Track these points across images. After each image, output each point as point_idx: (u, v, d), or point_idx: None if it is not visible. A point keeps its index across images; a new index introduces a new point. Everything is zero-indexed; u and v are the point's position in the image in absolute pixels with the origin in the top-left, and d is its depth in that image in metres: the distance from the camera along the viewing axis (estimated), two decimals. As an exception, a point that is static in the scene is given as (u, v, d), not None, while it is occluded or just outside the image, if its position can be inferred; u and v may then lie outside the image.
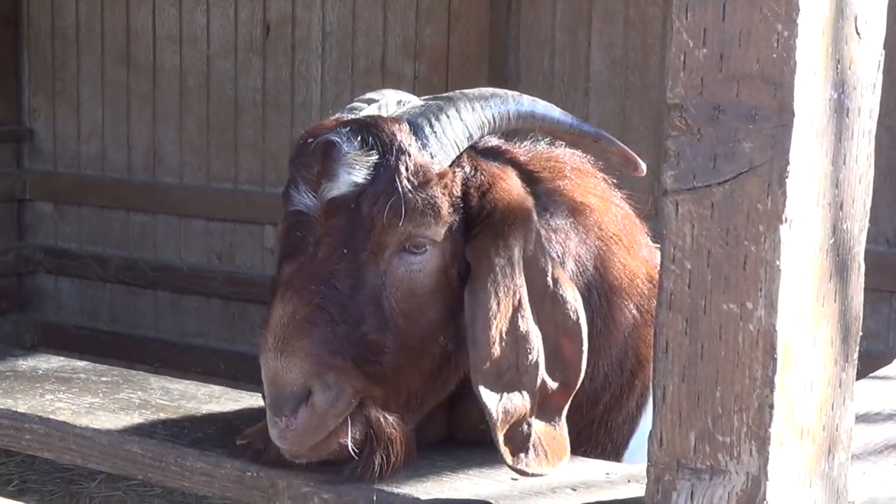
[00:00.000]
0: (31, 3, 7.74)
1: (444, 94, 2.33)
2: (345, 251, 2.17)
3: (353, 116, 2.35)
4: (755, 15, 1.76)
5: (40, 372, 2.87)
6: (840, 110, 1.88)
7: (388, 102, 2.45)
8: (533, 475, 2.19)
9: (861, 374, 2.80)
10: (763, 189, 1.78)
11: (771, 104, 1.77)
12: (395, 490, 2.16)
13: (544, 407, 2.24)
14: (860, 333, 2.04)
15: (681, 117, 1.83)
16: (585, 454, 2.42)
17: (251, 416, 2.57)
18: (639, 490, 2.04)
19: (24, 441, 2.56)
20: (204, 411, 2.61)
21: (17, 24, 7.75)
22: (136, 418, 2.53)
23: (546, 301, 2.24)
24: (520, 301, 2.20)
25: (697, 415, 1.85)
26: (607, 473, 2.26)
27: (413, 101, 2.42)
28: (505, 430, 2.16)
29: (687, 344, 1.85)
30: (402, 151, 2.18)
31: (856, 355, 2.03)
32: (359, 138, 2.19)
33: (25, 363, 2.95)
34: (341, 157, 2.18)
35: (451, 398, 2.35)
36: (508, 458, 2.16)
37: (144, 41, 7.38)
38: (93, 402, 2.63)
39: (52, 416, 2.53)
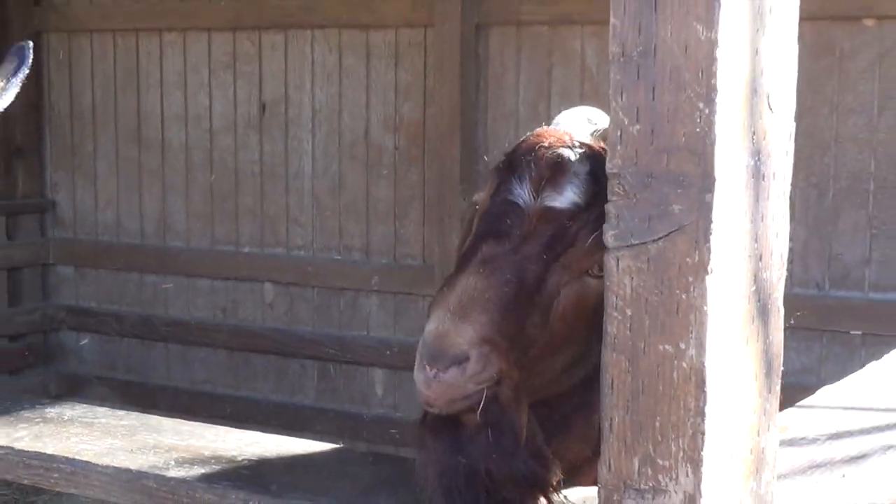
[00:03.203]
0: (52, 89, 7.80)
1: None
2: (544, 256, 2.20)
3: (580, 139, 2.36)
4: (680, 96, 1.82)
5: (66, 418, 2.91)
6: (757, 175, 1.92)
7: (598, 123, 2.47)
8: None
9: (793, 403, 2.86)
10: (691, 245, 1.82)
11: (696, 172, 1.81)
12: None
13: None
14: (782, 368, 2.09)
15: (619, 185, 1.88)
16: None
17: (254, 453, 2.61)
18: (592, 510, 2.08)
19: (52, 479, 2.59)
20: (211, 449, 2.65)
21: (39, 108, 7.81)
22: (151, 457, 2.57)
23: None
24: None
25: (640, 442, 1.89)
26: (564, 497, 2.30)
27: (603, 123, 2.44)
28: None
29: (629, 381, 1.89)
30: None
31: (778, 387, 2.07)
32: (589, 166, 2.26)
33: (52, 411, 2.98)
34: (572, 177, 2.25)
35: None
36: None
37: (153, 121, 7.44)
38: (113, 444, 2.67)
39: (77, 457, 2.57)
